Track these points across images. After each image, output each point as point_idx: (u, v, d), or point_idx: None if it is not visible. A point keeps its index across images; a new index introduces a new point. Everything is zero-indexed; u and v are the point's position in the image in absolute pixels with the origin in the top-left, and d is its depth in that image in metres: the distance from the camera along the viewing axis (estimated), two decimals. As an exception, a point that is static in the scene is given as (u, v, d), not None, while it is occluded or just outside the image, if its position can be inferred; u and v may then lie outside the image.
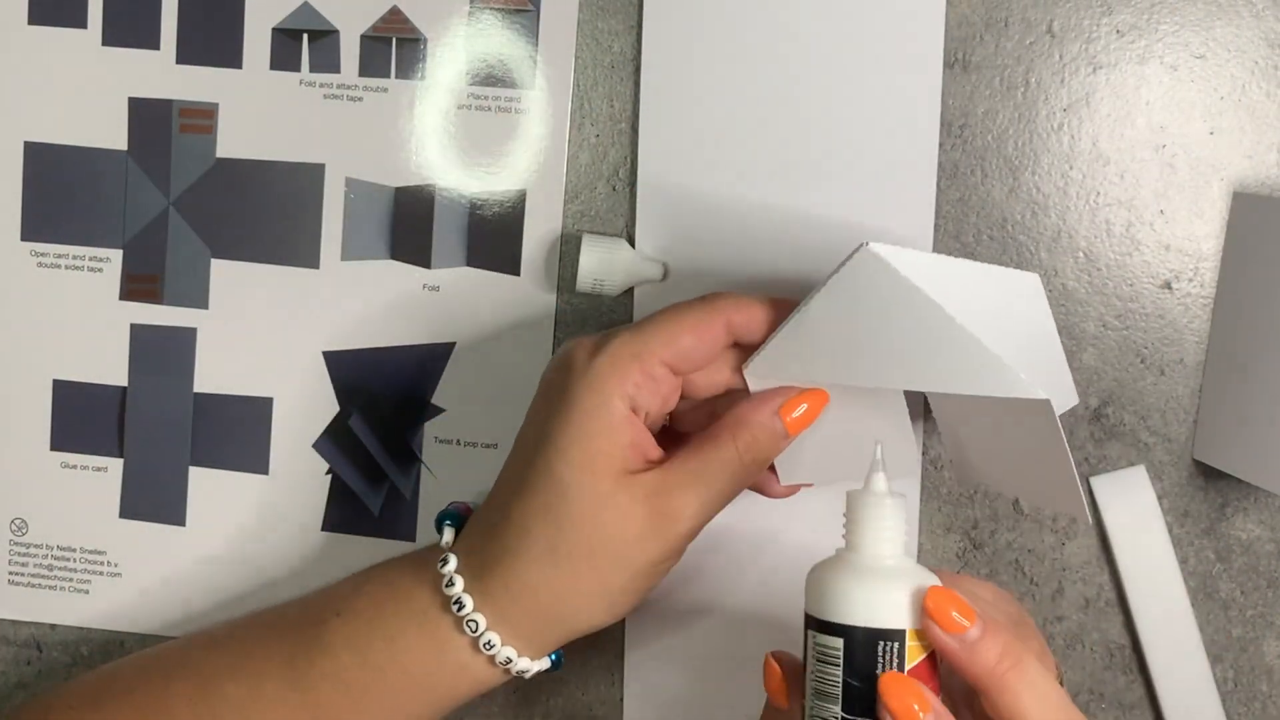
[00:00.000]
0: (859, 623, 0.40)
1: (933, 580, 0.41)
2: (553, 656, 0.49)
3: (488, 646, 0.47)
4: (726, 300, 0.47)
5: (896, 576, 0.41)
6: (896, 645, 0.40)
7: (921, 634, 0.40)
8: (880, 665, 0.40)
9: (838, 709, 0.40)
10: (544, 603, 0.46)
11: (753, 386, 0.48)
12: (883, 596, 0.40)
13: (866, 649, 0.40)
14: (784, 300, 0.47)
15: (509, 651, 0.47)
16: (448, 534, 0.49)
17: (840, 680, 0.40)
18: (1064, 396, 0.52)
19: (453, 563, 0.47)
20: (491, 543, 0.47)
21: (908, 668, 0.40)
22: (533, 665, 0.48)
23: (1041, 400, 0.42)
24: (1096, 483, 0.56)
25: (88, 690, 0.52)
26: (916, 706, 0.39)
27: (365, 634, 0.47)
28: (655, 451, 0.47)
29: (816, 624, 0.41)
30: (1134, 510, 0.56)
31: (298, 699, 0.47)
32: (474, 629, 0.46)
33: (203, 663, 0.50)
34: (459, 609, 0.46)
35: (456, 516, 0.50)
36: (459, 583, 0.47)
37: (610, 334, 0.47)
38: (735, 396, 0.48)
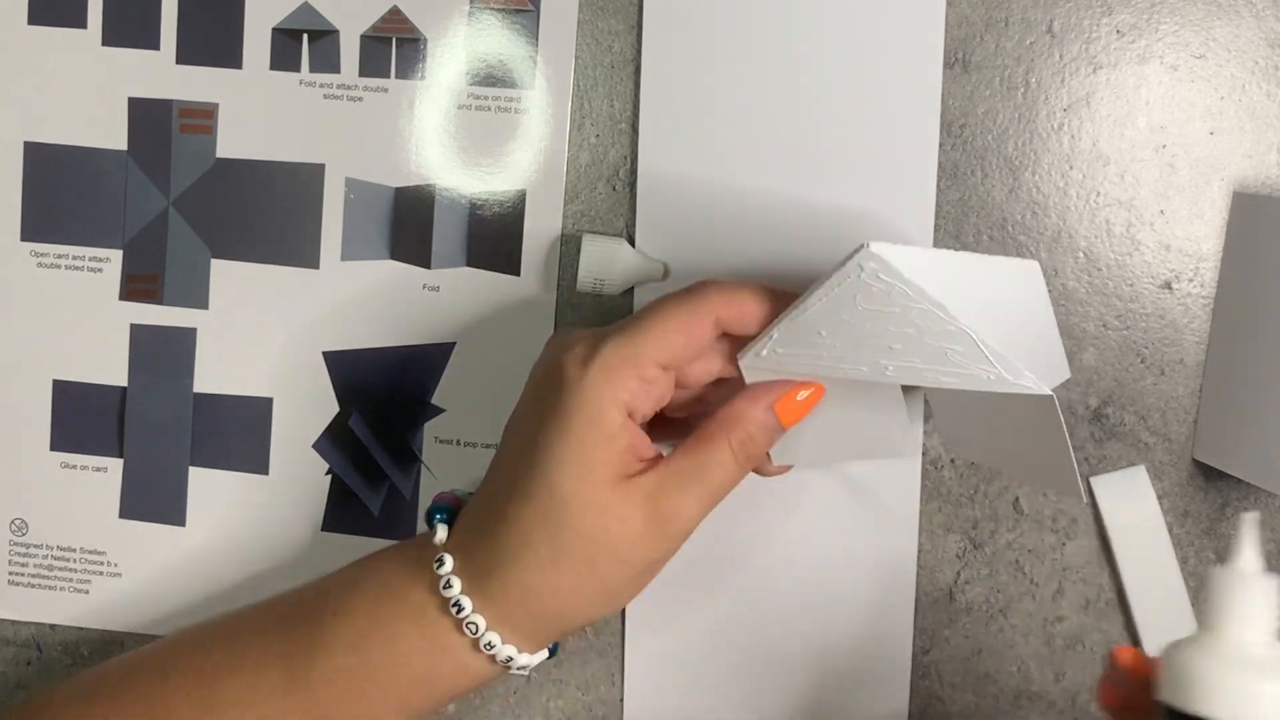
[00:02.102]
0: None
1: None
2: (550, 647, 0.49)
3: (488, 647, 0.47)
4: (715, 294, 0.46)
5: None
6: None
7: None
8: None
9: None
10: (545, 604, 0.46)
11: (748, 378, 0.47)
12: (1269, 695, 0.37)
13: None
14: (774, 290, 0.46)
15: (509, 650, 0.47)
16: (441, 531, 0.48)
17: None
18: (1056, 372, 0.51)
19: (449, 563, 0.47)
20: (489, 546, 0.46)
21: None
22: (532, 660, 0.48)
23: (1046, 396, 0.42)
24: (1097, 483, 0.56)
25: (84, 687, 0.52)
26: None
27: (365, 634, 0.47)
28: (650, 450, 0.47)
29: (1185, 718, 0.38)
30: (1134, 510, 0.56)
31: (298, 696, 0.47)
32: (474, 630, 0.46)
33: (199, 658, 0.50)
34: (458, 611, 0.46)
35: (448, 511, 0.49)
36: (456, 585, 0.46)
37: (601, 336, 0.46)
38: (728, 384, 0.48)
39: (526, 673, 0.48)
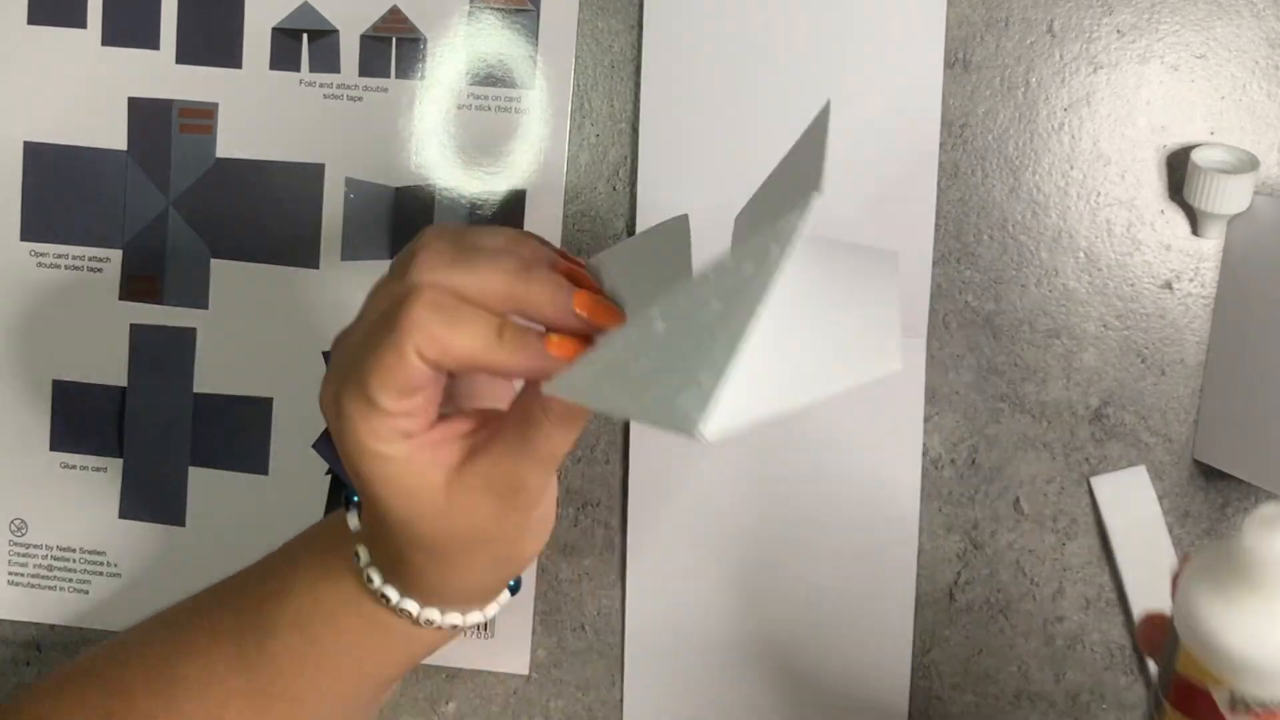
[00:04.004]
0: None
1: None
2: (511, 585, 0.49)
3: (428, 622, 0.47)
4: (415, 331, 0.40)
5: None
6: None
7: None
8: None
9: None
10: (456, 588, 0.46)
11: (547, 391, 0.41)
12: None
13: None
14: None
15: (452, 618, 0.47)
16: (353, 519, 0.47)
17: None
18: (880, 358, 0.41)
19: (364, 556, 0.46)
20: (388, 544, 0.45)
21: None
22: (484, 616, 0.48)
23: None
24: (1097, 483, 0.56)
25: (53, 679, 0.53)
26: None
27: (308, 615, 0.47)
28: (464, 423, 0.44)
29: None
30: (1134, 510, 0.56)
31: (249, 676, 0.48)
32: (410, 613, 0.46)
33: (157, 644, 0.51)
34: (386, 602, 0.46)
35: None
36: (377, 577, 0.46)
37: (339, 385, 0.42)
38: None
39: (484, 622, 0.48)
